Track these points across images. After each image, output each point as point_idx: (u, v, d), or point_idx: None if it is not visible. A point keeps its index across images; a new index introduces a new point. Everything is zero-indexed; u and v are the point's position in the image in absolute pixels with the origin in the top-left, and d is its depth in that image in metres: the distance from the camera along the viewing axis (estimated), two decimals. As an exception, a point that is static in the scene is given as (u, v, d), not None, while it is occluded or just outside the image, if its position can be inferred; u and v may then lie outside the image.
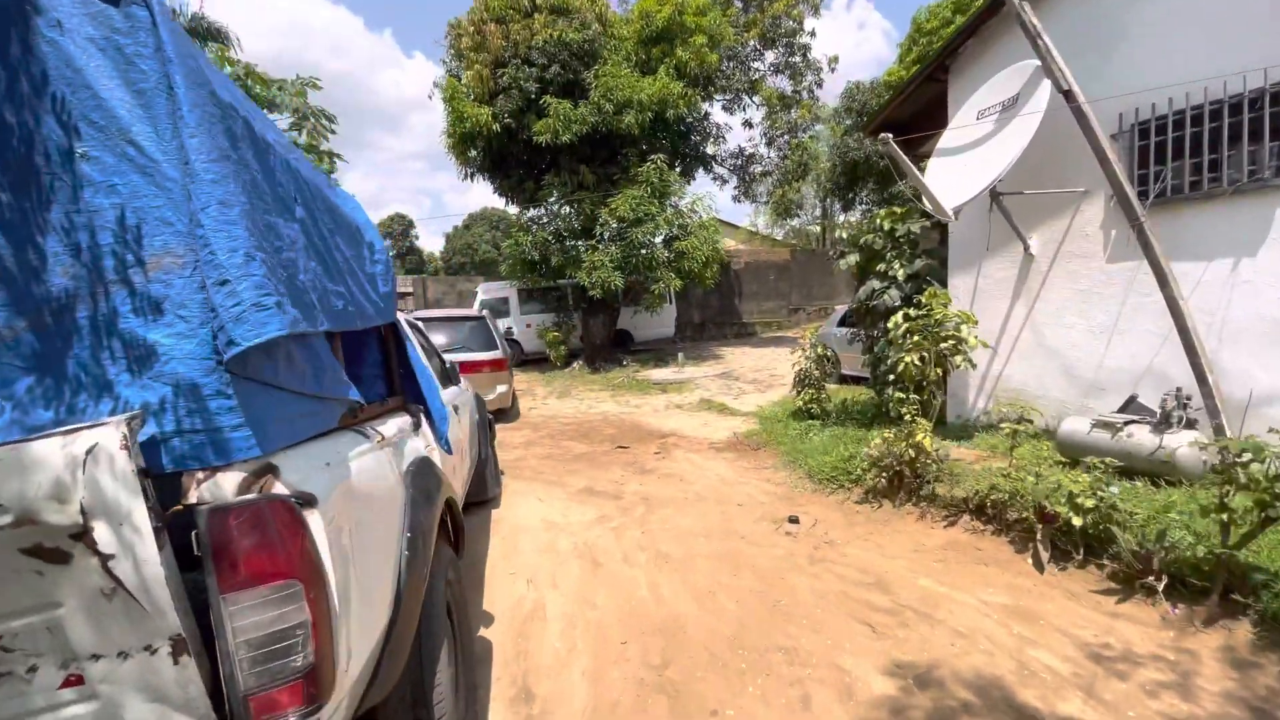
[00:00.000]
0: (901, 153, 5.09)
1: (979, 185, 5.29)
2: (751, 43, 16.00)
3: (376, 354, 2.52)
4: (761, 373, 12.56)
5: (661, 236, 13.94)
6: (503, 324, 15.40)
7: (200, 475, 1.03)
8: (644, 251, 12.90)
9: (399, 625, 1.60)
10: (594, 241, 12.96)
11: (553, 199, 13.67)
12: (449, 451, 2.64)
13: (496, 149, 13.46)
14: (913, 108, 7.13)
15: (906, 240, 6.09)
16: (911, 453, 4.20)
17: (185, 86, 1.01)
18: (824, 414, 6.99)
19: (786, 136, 16.65)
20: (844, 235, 6.38)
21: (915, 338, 4.62)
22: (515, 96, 12.55)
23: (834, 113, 17.60)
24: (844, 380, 10.57)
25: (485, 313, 9.16)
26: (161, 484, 1.04)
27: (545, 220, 14.35)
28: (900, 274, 5.88)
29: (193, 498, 1.02)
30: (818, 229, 31.62)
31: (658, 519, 4.51)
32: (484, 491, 4.83)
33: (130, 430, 0.93)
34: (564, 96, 12.55)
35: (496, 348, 8.46)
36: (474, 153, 13.84)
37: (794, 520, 4.34)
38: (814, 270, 23.47)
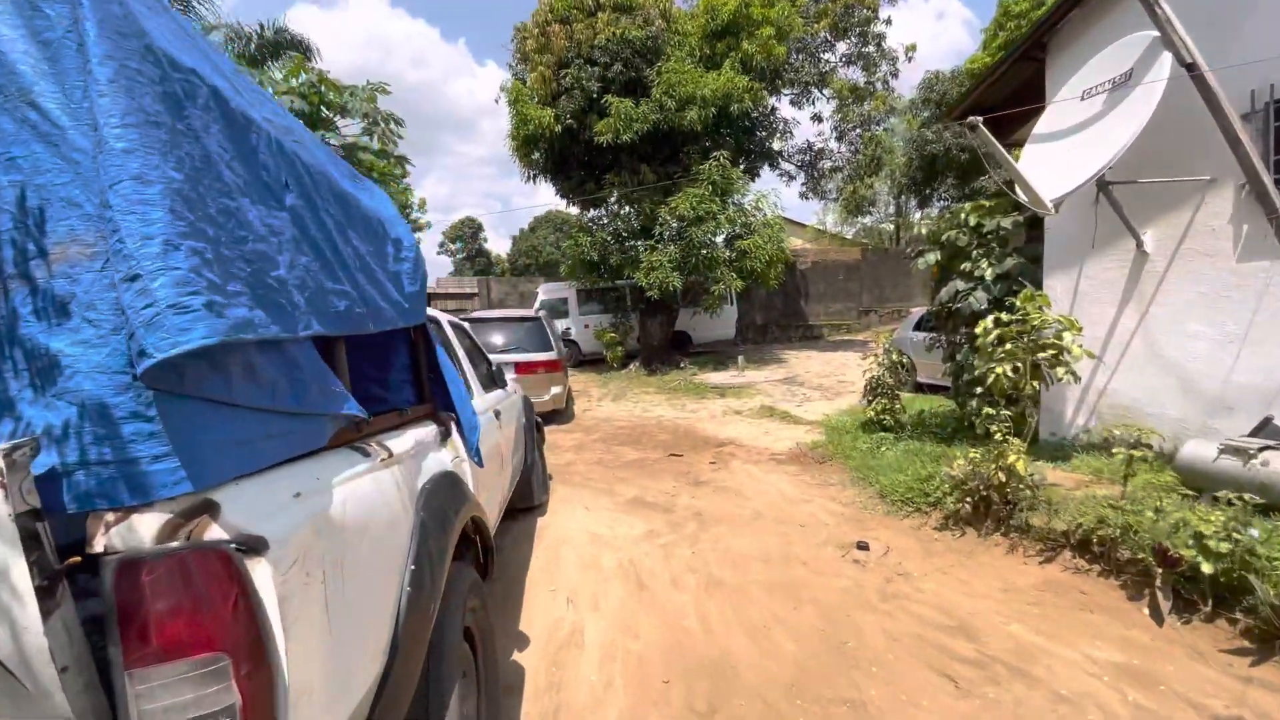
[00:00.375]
0: (993, 138, 4.55)
1: (1084, 174, 4.68)
2: (822, 34, 15.33)
3: (404, 358, 2.34)
4: (828, 379, 11.95)
5: (723, 236, 13.56)
6: (561, 325, 15.42)
7: (110, 518, 0.83)
8: (704, 251, 12.54)
9: (395, 674, 1.39)
10: (653, 241, 12.73)
11: (612, 199, 13.54)
12: (480, 463, 2.44)
13: (558, 150, 13.45)
14: (1003, 91, 6.48)
15: (995, 237, 5.49)
16: (1002, 476, 3.70)
17: (99, 35, 0.81)
18: (898, 426, 6.45)
19: (859, 130, 15.85)
20: (923, 231, 5.84)
21: (1008, 346, 4.08)
22: (577, 97, 12.49)
23: (910, 104, 16.63)
24: (920, 389, 9.88)
25: (541, 313, 9.10)
26: (73, 528, 0.84)
27: (604, 221, 14.24)
28: (988, 274, 5.30)
29: (98, 546, 0.81)
30: (890, 227, 30.19)
31: (710, 538, 4.19)
32: (530, 498, 4.66)
33: (8, 463, 0.73)
34: (626, 95, 12.38)
35: (551, 349, 8.35)
36: (536, 155, 13.91)
37: (863, 546, 3.92)
38: (886, 270, 22.35)
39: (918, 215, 28.12)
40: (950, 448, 5.37)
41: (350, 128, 11.49)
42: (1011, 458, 3.66)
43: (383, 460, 1.58)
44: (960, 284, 5.30)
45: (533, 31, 13.50)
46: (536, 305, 15.44)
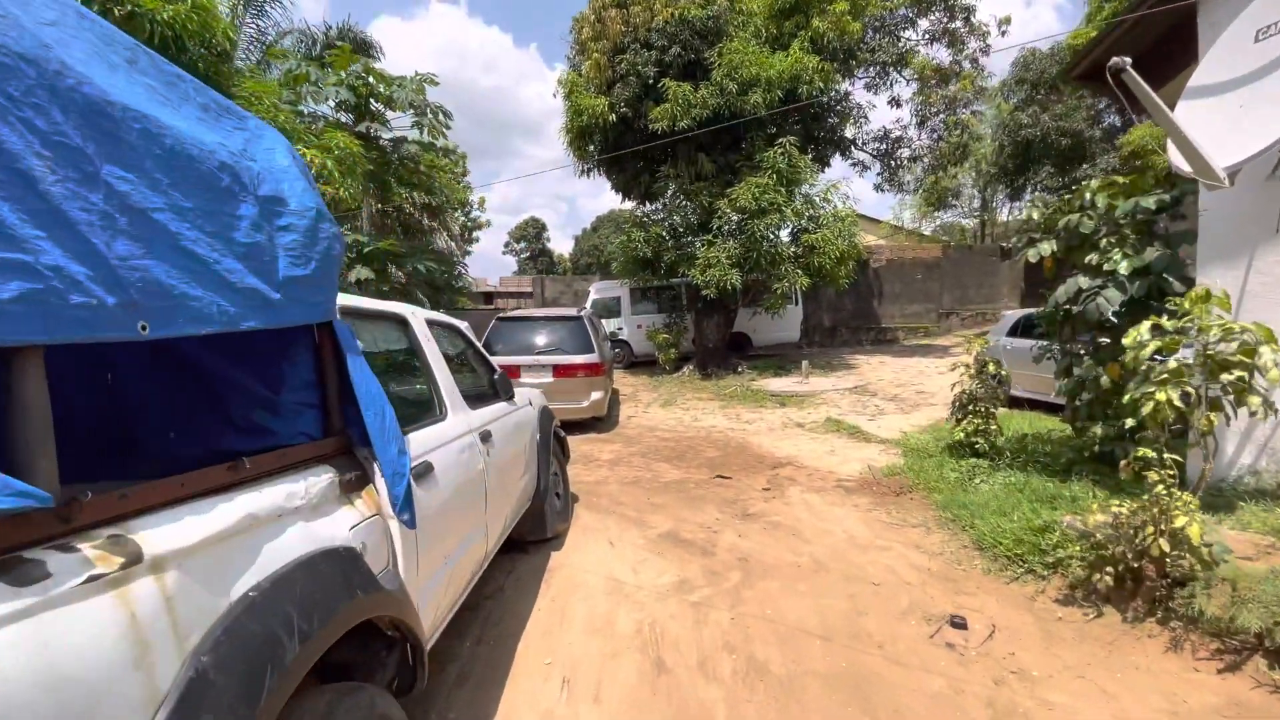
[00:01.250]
0: (1145, 84, 3.47)
1: (1270, 135, 3.53)
2: (902, 8, 13.95)
3: (305, 372, 1.66)
4: (904, 389, 10.70)
5: (788, 230, 12.52)
6: (612, 324, 14.79)
7: None
8: (766, 246, 11.55)
9: None
10: (710, 236, 11.85)
11: (669, 192, 12.75)
12: (411, 525, 1.72)
13: (613, 141, 12.80)
14: (1136, 44, 5.26)
15: (1131, 222, 4.34)
16: (1164, 545, 2.67)
17: None
18: (994, 452, 5.34)
19: (942, 115, 14.34)
20: (1034, 215, 4.72)
21: (1172, 364, 3.01)
22: (632, 83, 11.79)
23: (1002, 86, 14.93)
24: (1013, 403, 8.55)
25: (584, 313, 8.44)
26: None
27: (660, 215, 13.47)
28: (1122, 268, 4.16)
29: None
30: (973, 223, 27.85)
31: (756, 596, 3.34)
32: (542, 529, 3.95)
33: None
34: (684, 79, 11.55)
35: (593, 350, 7.66)
36: (591, 147, 13.33)
37: (958, 623, 2.98)
38: (970, 269, 20.46)
39: (1006, 209, 25.78)
40: (1066, 485, 4.28)
41: (398, 120, 11.28)
42: (1180, 520, 2.62)
43: (107, 574, 0.86)
44: (1084, 280, 4.18)
45: (589, 19, 12.91)
46: (589, 303, 14.88)
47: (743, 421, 8.53)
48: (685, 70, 11.76)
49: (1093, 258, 4.17)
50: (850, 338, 19.42)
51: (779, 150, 11.31)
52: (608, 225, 52.93)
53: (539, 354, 7.52)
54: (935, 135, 15.29)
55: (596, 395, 7.64)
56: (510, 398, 3.54)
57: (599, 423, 8.15)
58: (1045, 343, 5.04)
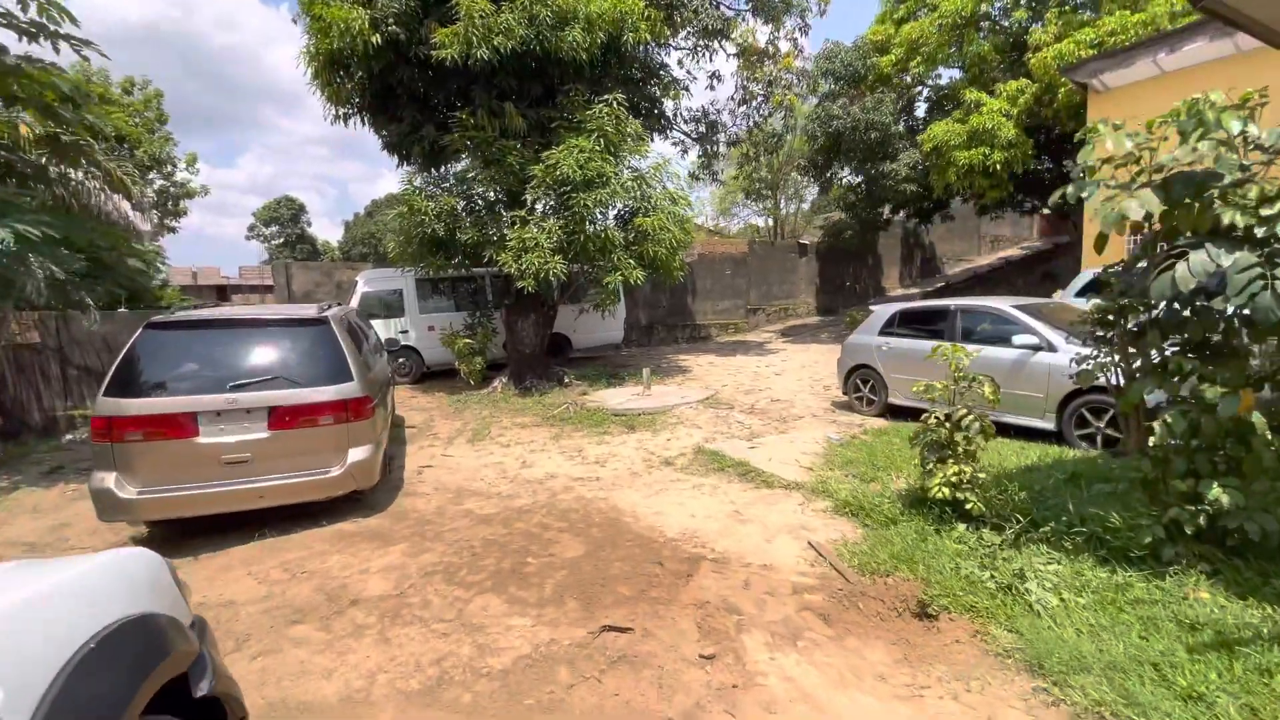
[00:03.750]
0: None
1: None
2: (721, -27, 12.64)
3: None
4: (755, 396, 9.21)
5: (615, 210, 10.32)
6: (391, 327, 11.23)
7: None
8: (595, 229, 9.22)
9: None
10: (523, 212, 9.12)
11: (467, 152, 9.67)
12: None
13: (380, 75, 9.31)
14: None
15: None
16: None
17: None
18: (994, 514, 3.64)
19: (763, 96, 13.42)
20: (1088, 164, 2.99)
21: None
22: (406, -9, 8.51)
23: (809, 74, 14.56)
24: (891, 412, 7.41)
25: (336, 312, 5.17)
26: None
27: (452, 183, 10.32)
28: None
29: None
30: (766, 221, 28.98)
31: None
32: None
33: None
34: (481, -4, 8.62)
35: (348, 376, 4.52)
36: (349, 83, 9.64)
37: None
38: (773, 266, 20.59)
39: (794, 206, 27.07)
40: (1168, 583, 2.64)
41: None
42: None
43: None
44: (1223, 254, 2.51)
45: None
46: (354, 300, 11.09)
47: (591, 463, 6.05)
48: (482, -15, 8.82)
49: (1232, 217, 2.50)
50: (667, 336, 18.15)
51: (605, 107, 9.02)
52: (387, 210, 46.26)
53: (240, 389, 4.16)
54: (751, 119, 14.42)
55: (358, 455, 4.52)
56: None
57: (360, 501, 4.99)
58: (1091, 351, 3.39)
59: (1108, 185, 2.90)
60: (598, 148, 8.86)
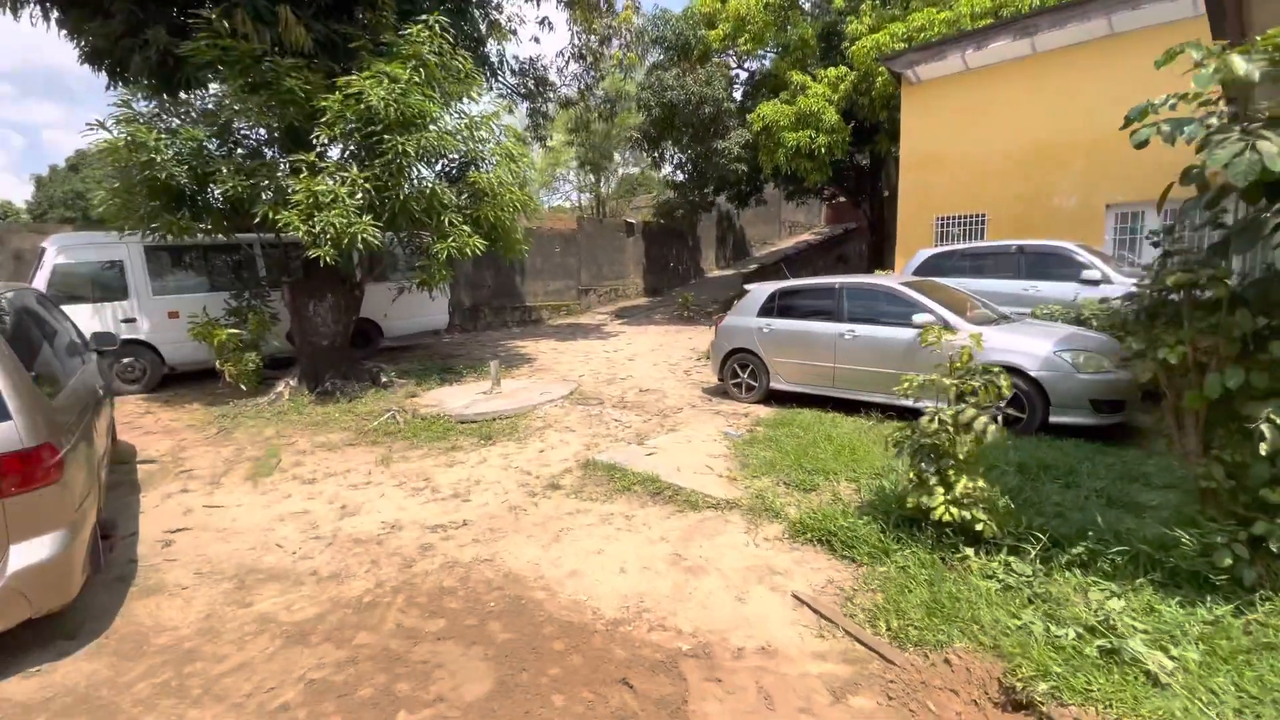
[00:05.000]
0: None
1: None
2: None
3: None
4: (619, 385, 8.14)
5: (441, 164, 8.38)
6: (108, 314, 7.96)
7: None
8: (418, 183, 7.27)
9: None
10: (311, 156, 6.77)
11: (217, 69, 6.88)
12: None
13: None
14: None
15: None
16: None
17: None
18: (1007, 534, 2.97)
19: (600, 51, 12.16)
20: (1169, 103, 2.29)
21: None
22: None
23: (644, 38, 13.71)
24: (774, 398, 6.85)
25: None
26: None
27: (199, 116, 7.45)
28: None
29: None
30: (580, 199, 27.93)
31: None
32: None
33: None
34: None
35: (2, 414, 2.39)
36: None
37: None
38: (602, 245, 19.66)
39: (610, 183, 26.40)
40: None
41: None
42: None
43: None
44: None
45: None
46: (42, 277, 7.59)
47: (448, 497, 4.40)
48: None
49: None
50: (495, 320, 16.25)
51: (424, 29, 7.03)
52: (100, 165, 35.88)
53: None
54: (585, 82, 13.12)
55: (32, 554, 2.42)
56: None
57: (50, 624, 2.83)
58: (1137, 346, 2.75)
59: (1206, 125, 2.24)
60: (417, 78, 6.88)
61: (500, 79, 11.61)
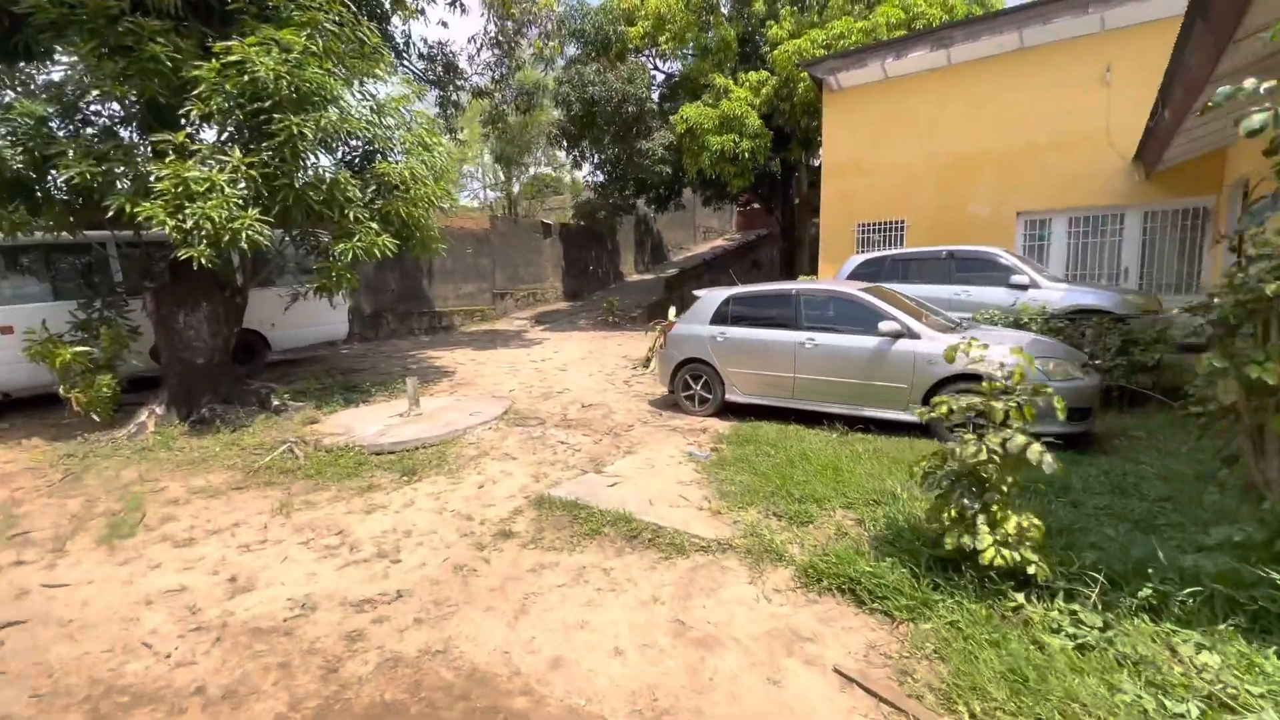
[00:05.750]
0: None
1: None
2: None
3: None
4: (556, 401, 7.43)
5: (342, 153, 7.30)
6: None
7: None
8: (314, 172, 6.21)
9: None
10: (180, 136, 5.54)
11: (62, 33, 5.45)
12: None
13: None
14: None
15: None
16: None
17: None
18: (1058, 577, 2.64)
19: (517, 39, 11.31)
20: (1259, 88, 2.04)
21: None
22: None
23: (563, 29, 13.02)
24: (729, 410, 6.44)
25: None
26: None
27: (39, 88, 5.96)
28: None
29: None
30: (487, 196, 26.61)
31: None
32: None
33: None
34: None
35: None
36: None
37: None
38: (517, 246, 18.67)
39: (519, 181, 25.35)
40: None
41: None
42: None
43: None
44: None
45: None
46: None
47: (372, 557, 3.55)
48: None
49: None
50: (400, 327, 14.88)
51: (322, -5, 6.00)
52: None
53: None
54: (500, 71, 12.22)
55: None
56: None
57: None
58: (1219, 364, 2.47)
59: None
60: (314, 48, 5.84)
61: (406, 61, 10.51)
